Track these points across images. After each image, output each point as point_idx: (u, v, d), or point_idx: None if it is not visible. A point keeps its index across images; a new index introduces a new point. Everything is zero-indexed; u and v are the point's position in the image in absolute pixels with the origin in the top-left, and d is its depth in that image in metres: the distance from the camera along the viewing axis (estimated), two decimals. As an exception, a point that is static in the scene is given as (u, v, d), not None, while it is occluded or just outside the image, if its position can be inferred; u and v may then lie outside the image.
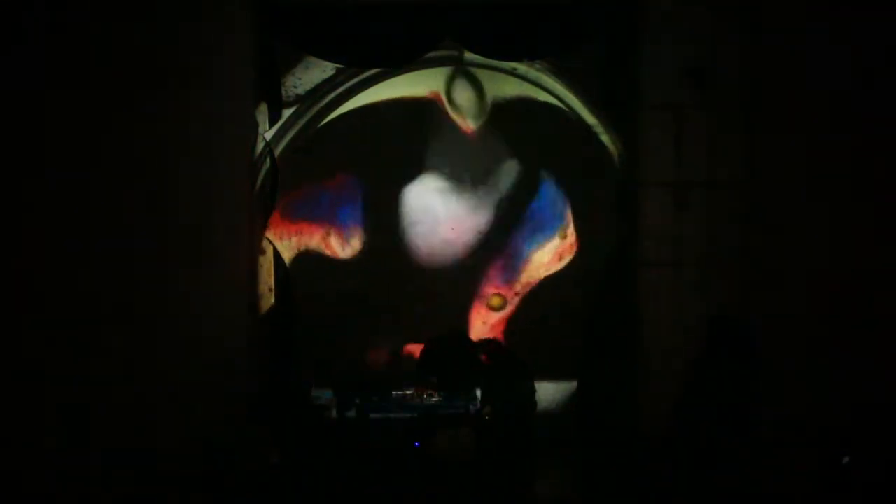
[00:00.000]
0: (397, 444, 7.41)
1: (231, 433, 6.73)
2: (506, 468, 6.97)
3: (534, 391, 7.63)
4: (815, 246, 6.55)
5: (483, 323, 9.20)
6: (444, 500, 6.74)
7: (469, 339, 8.81)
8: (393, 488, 6.85)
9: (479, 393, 8.04)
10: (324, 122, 9.04)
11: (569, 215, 9.15)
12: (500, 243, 9.20)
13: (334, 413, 7.74)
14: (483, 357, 7.73)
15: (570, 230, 9.18)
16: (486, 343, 8.26)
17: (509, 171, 9.19)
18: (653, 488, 6.55)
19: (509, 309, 9.24)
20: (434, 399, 8.13)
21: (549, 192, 9.21)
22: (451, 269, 9.23)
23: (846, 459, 5.45)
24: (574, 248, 9.15)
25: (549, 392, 8.72)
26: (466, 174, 9.14)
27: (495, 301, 9.19)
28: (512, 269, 9.26)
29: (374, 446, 7.50)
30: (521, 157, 9.13)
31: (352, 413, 7.98)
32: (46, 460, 6.36)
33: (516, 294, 9.22)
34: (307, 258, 9.14)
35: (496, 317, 9.24)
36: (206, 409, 6.94)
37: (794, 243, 6.83)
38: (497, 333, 9.21)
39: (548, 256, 9.22)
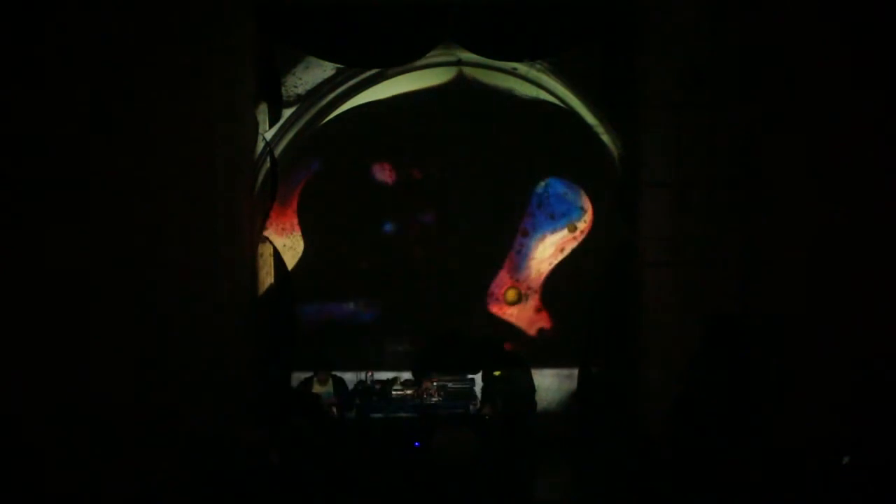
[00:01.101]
0: (397, 444, 7.41)
1: (231, 433, 6.72)
2: (506, 468, 6.98)
3: (533, 391, 7.64)
4: (816, 246, 6.54)
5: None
6: (444, 501, 6.73)
7: (469, 339, 8.82)
8: (393, 488, 6.85)
9: (478, 392, 8.06)
10: (324, 121, 9.08)
11: (581, 209, 9.21)
12: (505, 240, 9.25)
13: (334, 413, 7.75)
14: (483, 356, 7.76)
15: (580, 223, 9.21)
16: (486, 342, 8.28)
17: (510, 172, 9.21)
18: (653, 488, 6.55)
19: (531, 303, 9.27)
20: (434, 399, 8.14)
21: (555, 190, 9.25)
22: (456, 265, 9.28)
23: (846, 459, 5.45)
24: (579, 242, 9.21)
25: (549, 392, 8.74)
26: (467, 174, 9.17)
27: (511, 295, 9.20)
28: (519, 264, 9.30)
29: (374, 446, 7.51)
30: (522, 158, 9.16)
31: (352, 413, 8.00)
32: (46, 459, 6.36)
33: (529, 288, 9.26)
34: (309, 255, 9.21)
35: (512, 311, 9.29)
36: (206, 409, 6.94)
37: (793, 243, 6.83)
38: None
39: (550, 250, 9.25)
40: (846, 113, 6.28)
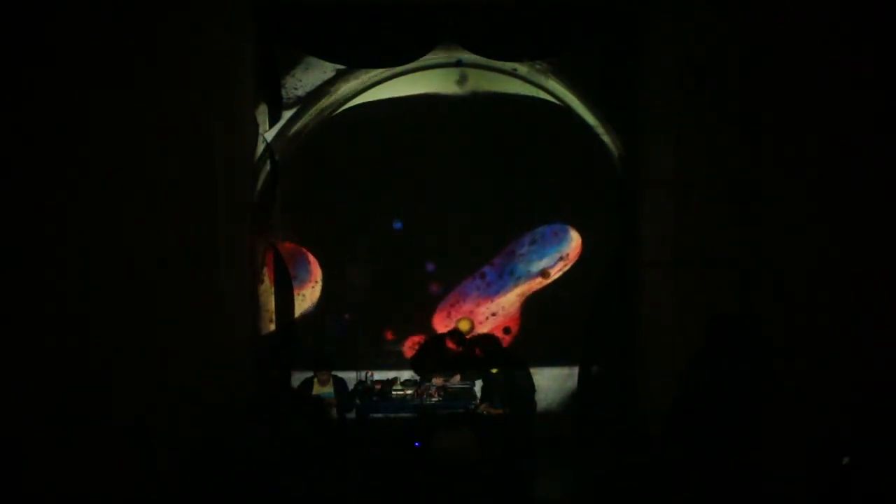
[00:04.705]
0: (397, 444, 7.41)
1: (231, 433, 6.72)
2: (506, 468, 6.97)
3: (533, 391, 7.64)
4: (815, 246, 6.54)
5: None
6: (444, 501, 6.73)
7: (465, 337, 8.83)
8: (393, 488, 6.84)
9: (478, 392, 8.07)
10: (322, 122, 9.09)
11: (567, 248, 9.18)
12: (491, 256, 9.31)
13: (334, 413, 7.76)
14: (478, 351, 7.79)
15: (554, 269, 9.22)
16: (484, 340, 8.29)
17: (510, 176, 9.21)
18: (652, 488, 6.55)
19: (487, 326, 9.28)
20: (434, 399, 8.14)
21: (544, 237, 9.27)
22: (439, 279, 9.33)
23: (846, 459, 5.44)
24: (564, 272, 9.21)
25: (549, 392, 8.74)
26: (465, 177, 9.18)
27: (464, 325, 9.20)
28: (496, 288, 9.30)
29: (374, 446, 7.50)
30: (522, 159, 9.16)
31: (352, 413, 8.01)
32: (50, 460, 6.37)
33: (493, 315, 9.26)
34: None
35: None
36: (207, 410, 6.94)
37: (793, 243, 6.83)
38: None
39: (529, 284, 9.27)
40: (846, 113, 6.28)
